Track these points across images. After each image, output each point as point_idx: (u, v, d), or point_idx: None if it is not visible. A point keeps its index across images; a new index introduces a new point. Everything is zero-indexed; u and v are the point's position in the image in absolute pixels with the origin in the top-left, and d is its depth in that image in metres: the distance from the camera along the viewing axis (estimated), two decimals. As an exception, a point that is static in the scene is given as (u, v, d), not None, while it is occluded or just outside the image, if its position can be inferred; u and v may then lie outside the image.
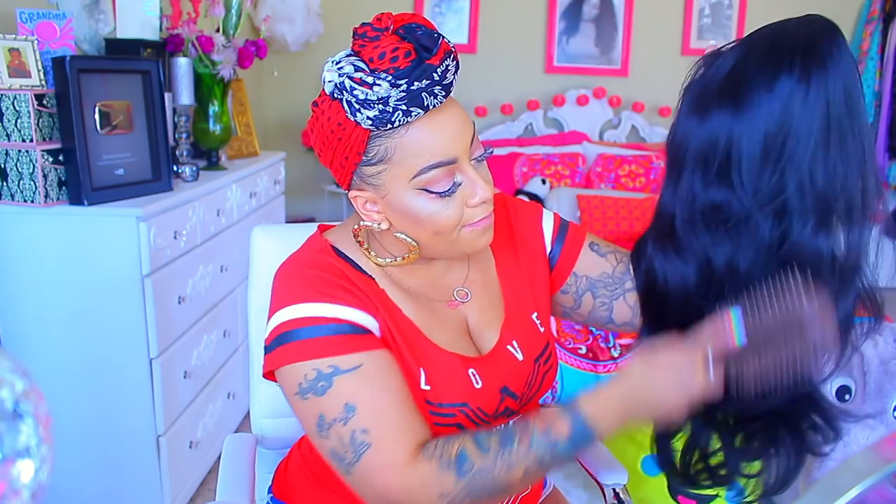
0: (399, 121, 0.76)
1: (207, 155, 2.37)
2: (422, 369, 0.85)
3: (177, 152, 2.09)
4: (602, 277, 0.99)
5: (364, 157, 0.80)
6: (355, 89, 0.75)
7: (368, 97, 0.75)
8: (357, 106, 0.76)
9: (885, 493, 0.47)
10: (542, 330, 0.96)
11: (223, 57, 2.20)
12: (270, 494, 1.06)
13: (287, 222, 3.03)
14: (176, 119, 2.13)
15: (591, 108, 3.93)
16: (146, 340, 1.72)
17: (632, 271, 0.97)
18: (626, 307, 0.98)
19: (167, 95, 2.02)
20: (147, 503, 1.82)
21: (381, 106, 0.75)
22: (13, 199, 1.62)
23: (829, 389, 1.84)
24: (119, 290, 1.68)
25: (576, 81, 3.96)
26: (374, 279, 0.88)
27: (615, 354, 2.19)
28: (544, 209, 1.03)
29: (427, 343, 0.87)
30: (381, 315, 0.85)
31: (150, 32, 2.06)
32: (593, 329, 2.19)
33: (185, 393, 1.92)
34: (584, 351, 2.19)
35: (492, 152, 0.87)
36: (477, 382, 0.88)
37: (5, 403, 0.39)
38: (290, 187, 3.15)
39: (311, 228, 0.98)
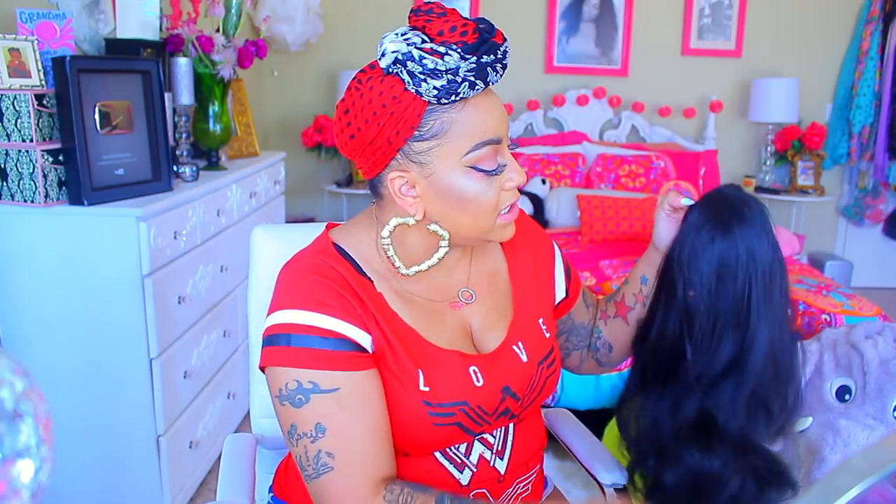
0: (464, 93, 0.78)
1: (207, 155, 2.37)
2: (420, 371, 0.85)
3: (177, 152, 2.09)
4: (579, 327, 1.08)
5: (417, 132, 0.81)
6: (424, 58, 0.77)
7: (438, 66, 0.77)
8: (422, 76, 0.77)
9: (885, 493, 0.47)
10: (547, 335, 0.98)
11: (223, 57, 2.20)
12: (271, 494, 1.07)
13: (287, 222, 3.03)
14: (176, 119, 2.13)
15: (591, 108, 3.93)
16: (146, 340, 1.72)
17: (597, 328, 1.10)
18: (578, 360, 1.10)
19: (167, 95, 2.02)
20: (147, 503, 1.82)
21: (450, 76, 0.77)
22: (13, 199, 1.62)
23: (830, 389, 1.84)
24: (119, 291, 1.68)
25: (576, 81, 3.96)
26: (372, 282, 0.88)
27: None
28: (553, 243, 1.08)
29: (425, 344, 0.87)
30: (376, 326, 0.85)
31: (150, 32, 2.06)
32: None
33: (185, 393, 1.92)
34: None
35: (517, 146, 0.90)
36: (478, 380, 0.88)
37: (5, 403, 0.39)
38: (290, 187, 3.15)
39: (311, 228, 0.98)
